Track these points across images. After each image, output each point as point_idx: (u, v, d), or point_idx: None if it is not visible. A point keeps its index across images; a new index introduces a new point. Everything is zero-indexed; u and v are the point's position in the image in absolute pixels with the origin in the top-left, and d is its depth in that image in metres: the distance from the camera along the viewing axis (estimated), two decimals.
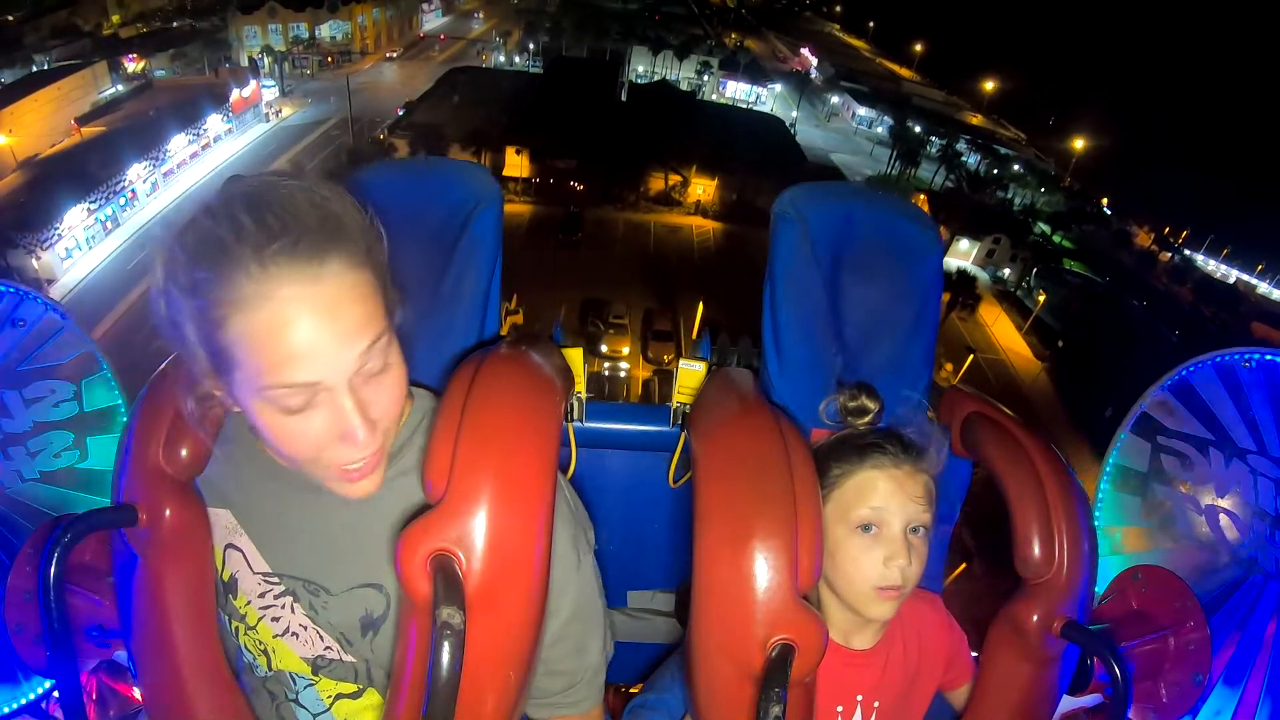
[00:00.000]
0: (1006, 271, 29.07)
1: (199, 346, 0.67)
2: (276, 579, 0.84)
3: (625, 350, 19.40)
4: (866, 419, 1.06)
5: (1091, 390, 21.12)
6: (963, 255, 29.04)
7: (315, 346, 0.65)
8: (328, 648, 0.83)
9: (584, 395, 1.35)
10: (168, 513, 0.82)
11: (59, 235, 19.59)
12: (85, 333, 1.32)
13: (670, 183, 29.66)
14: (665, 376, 18.00)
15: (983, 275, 28.50)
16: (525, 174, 28.43)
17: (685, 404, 1.35)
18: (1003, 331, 26.42)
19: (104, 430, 1.31)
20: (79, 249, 20.49)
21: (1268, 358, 1.26)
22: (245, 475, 0.86)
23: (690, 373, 1.34)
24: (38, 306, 1.28)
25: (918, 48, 51.76)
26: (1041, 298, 26.45)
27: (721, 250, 27.20)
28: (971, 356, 22.04)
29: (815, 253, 1.22)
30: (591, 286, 21.81)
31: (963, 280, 26.25)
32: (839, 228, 1.24)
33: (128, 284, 19.45)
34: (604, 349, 19.15)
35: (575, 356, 1.24)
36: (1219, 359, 1.33)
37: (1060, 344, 24.63)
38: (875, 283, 1.24)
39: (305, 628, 0.83)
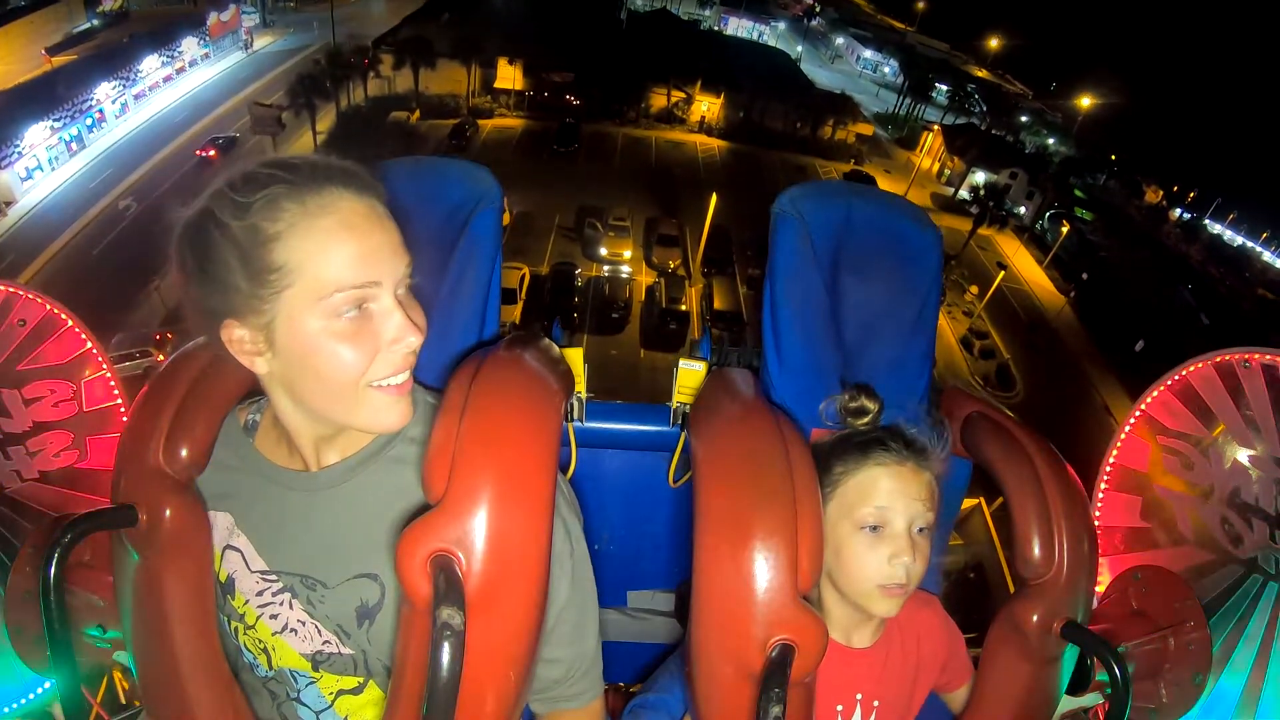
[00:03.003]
0: (1022, 209, 28.17)
1: (241, 275, 0.70)
2: (274, 576, 0.84)
3: (627, 254, 18.25)
4: (866, 419, 1.06)
5: (1118, 323, 20.82)
6: (981, 185, 28.16)
7: (377, 248, 0.73)
8: (326, 641, 0.83)
9: (584, 395, 1.35)
10: (168, 513, 0.82)
11: (19, 154, 18.80)
12: (82, 327, 1.32)
13: (673, 99, 28.29)
14: (671, 280, 17.27)
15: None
16: (518, 87, 26.95)
17: (685, 404, 1.35)
18: (1023, 264, 25.78)
19: (104, 430, 1.31)
20: (40, 170, 19.64)
21: (1268, 358, 1.26)
22: (240, 478, 0.87)
23: (690, 373, 1.34)
24: (38, 306, 1.28)
25: (919, 4, 50.93)
26: (1065, 228, 25.84)
27: (728, 166, 26.07)
28: (1003, 273, 21.45)
29: (815, 252, 1.22)
30: (589, 195, 20.81)
31: (990, 194, 25.34)
32: (839, 227, 1.24)
33: (89, 202, 18.96)
34: (603, 252, 18.08)
35: (575, 356, 1.24)
36: (1219, 359, 1.33)
37: (1084, 277, 24.09)
38: (875, 282, 1.24)
39: (304, 623, 0.84)
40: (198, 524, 0.84)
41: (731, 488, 0.82)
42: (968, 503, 10.21)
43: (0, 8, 25.44)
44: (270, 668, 0.87)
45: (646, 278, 18.16)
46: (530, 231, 18.94)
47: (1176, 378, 1.39)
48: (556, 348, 0.96)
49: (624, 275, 17.73)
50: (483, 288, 1.21)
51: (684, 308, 16.44)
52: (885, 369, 1.22)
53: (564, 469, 1.38)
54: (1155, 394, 1.42)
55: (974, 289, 21.43)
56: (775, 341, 1.23)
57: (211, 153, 20.84)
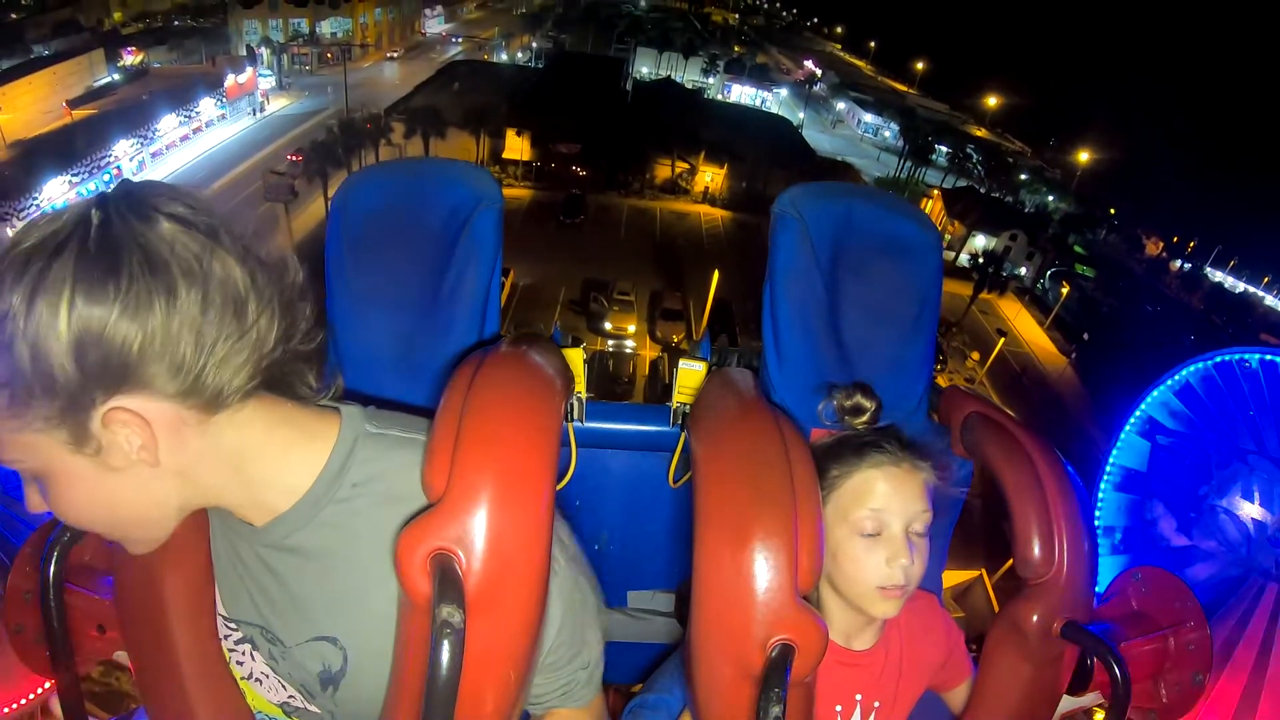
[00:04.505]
0: (1023, 270, 28.75)
1: None
2: (234, 625, 0.81)
3: (631, 328, 18.23)
4: (863, 418, 1.06)
5: (1119, 385, 20.84)
6: (980, 250, 28.68)
7: None
8: (291, 696, 0.81)
9: (584, 395, 1.35)
10: None
11: (37, 205, 19.38)
12: None
13: (677, 170, 28.76)
14: (674, 355, 17.08)
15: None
16: (526, 157, 27.49)
17: (685, 404, 1.35)
18: (1024, 326, 26.07)
19: None
20: None
21: (1268, 358, 1.26)
22: (206, 513, 0.82)
23: (690, 373, 1.34)
24: None
25: (919, 66, 51.91)
26: (1065, 289, 26.23)
27: (731, 237, 26.36)
28: (1003, 340, 21.57)
29: (815, 252, 1.22)
30: (595, 267, 20.91)
31: (990, 260, 25.80)
32: (839, 227, 1.24)
33: None
34: (608, 326, 18.06)
35: (575, 356, 1.24)
36: (1219, 359, 1.33)
37: (1085, 337, 24.37)
38: (875, 282, 1.24)
39: (267, 675, 0.81)
40: (197, 523, 0.84)
41: (731, 488, 0.82)
42: (969, 574, 10.11)
43: (24, 57, 25.86)
44: (247, 704, 0.86)
45: (650, 352, 18.15)
46: (536, 304, 18.91)
47: (1177, 378, 1.40)
48: (557, 348, 0.96)
49: (628, 350, 17.74)
50: (483, 288, 1.21)
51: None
52: (885, 369, 1.22)
53: (564, 469, 1.38)
54: (1155, 394, 1.43)
55: (975, 355, 21.64)
56: (775, 341, 1.23)
57: (299, 158, 23.47)
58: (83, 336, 0.57)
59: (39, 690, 1.20)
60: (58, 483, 0.66)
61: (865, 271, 1.24)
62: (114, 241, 0.59)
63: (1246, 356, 1.28)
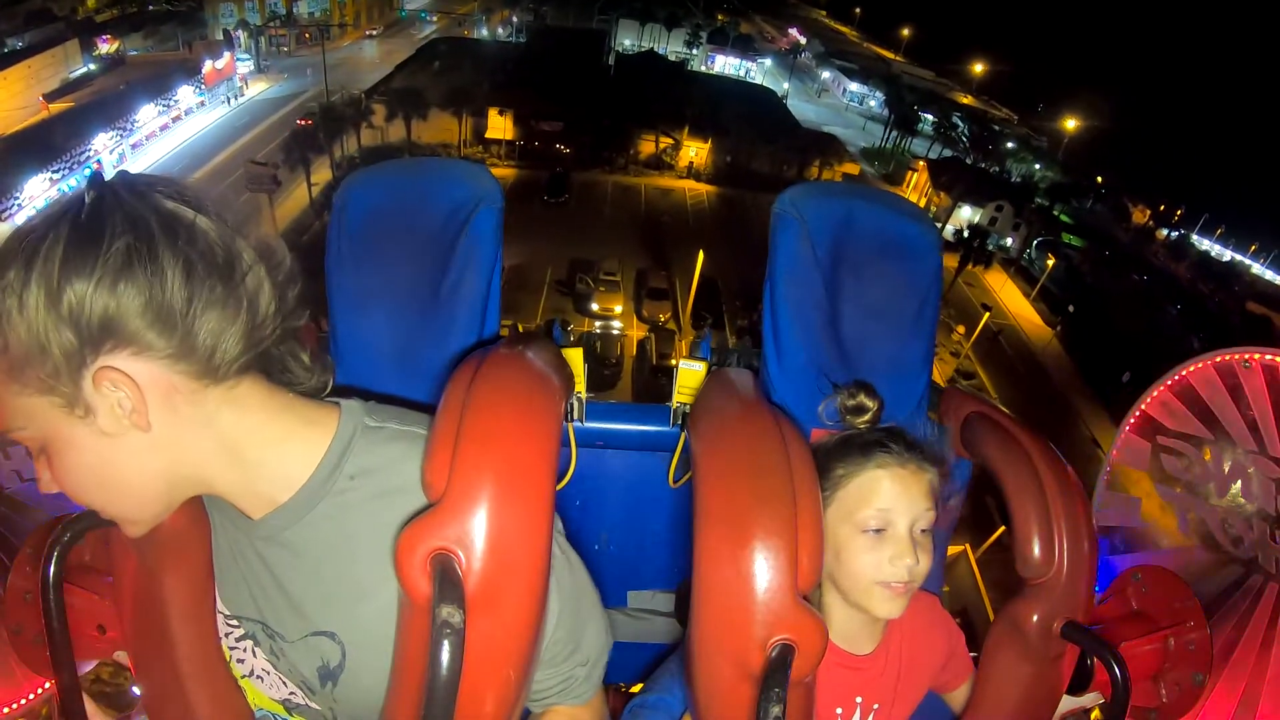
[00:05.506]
0: (1009, 240, 28.64)
1: None
2: (235, 621, 0.82)
3: (618, 309, 18.31)
4: (865, 418, 1.06)
5: (1105, 356, 20.83)
6: (965, 223, 28.48)
7: None
8: (292, 692, 0.81)
9: (584, 395, 1.35)
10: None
11: (19, 206, 19.25)
12: None
13: (661, 146, 28.64)
14: (661, 335, 17.14)
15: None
16: (509, 136, 27.34)
17: (685, 404, 1.35)
18: (1010, 298, 25.99)
19: None
20: None
21: (1268, 358, 1.26)
22: (206, 508, 0.82)
23: (690, 373, 1.34)
24: None
25: (905, 32, 51.23)
26: (1051, 261, 26.15)
27: (716, 213, 26.27)
28: (987, 315, 21.55)
29: (815, 252, 1.22)
30: (580, 247, 20.82)
31: (975, 234, 25.77)
32: (839, 227, 1.24)
33: None
34: (594, 307, 18.13)
35: (575, 356, 1.24)
36: (1219, 359, 1.33)
37: (1071, 309, 24.27)
38: (875, 282, 1.24)
39: (268, 672, 0.81)
40: (197, 522, 0.84)
41: (731, 488, 0.82)
42: (953, 549, 10.25)
43: None
44: (247, 703, 0.87)
45: (638, 331, 18.07)
46: (524, 286, 18.74)
47: (1176, 377, 1.40)
48: (557, 348, 0.96)
49: (615, 331, 17.66)
50: (483, 288, 1.21)
51: (674, 363, 16.77)
52: (885, 368, 1.22)
53: (564, 469, 1.38)
54: (1155, 394, 1.43)
55: (961, 329, 21.56)
56: (775, 341, 1.23)
57: (309, 121, 23.48)
58: (71, 297, 0.60)
59: (39, 690, 1.20)
60: (57, 451, 0.67)
61: (865, 271, 1.24)
62: (102, 211, 0.62)
63: (1247, 356, 1.29)
